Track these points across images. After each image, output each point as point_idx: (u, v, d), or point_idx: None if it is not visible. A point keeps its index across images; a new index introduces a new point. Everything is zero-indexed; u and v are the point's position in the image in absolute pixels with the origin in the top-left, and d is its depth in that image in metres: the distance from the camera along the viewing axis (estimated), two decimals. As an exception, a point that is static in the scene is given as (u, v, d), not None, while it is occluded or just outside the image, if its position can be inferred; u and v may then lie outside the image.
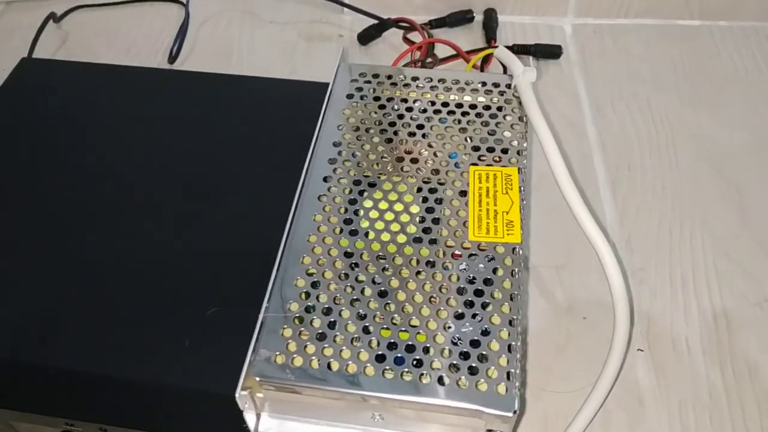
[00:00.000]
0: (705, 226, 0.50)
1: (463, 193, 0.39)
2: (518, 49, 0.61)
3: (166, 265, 0.43)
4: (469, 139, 0.42)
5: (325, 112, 0.44)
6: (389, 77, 0.45)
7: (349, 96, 0.44)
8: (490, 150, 0.41)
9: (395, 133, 0.43)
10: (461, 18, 0.64)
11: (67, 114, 0.51)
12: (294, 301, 0.36)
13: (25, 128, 0.51)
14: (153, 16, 0.69)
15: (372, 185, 0.40)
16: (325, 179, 0.40)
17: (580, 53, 0.63)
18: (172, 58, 0.63)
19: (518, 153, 0.41)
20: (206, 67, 0.62)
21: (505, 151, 0.41)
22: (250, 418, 0.36)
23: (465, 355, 0.33)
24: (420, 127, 0.43)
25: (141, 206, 0.45)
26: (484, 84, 0.45)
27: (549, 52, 0.62)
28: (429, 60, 0.53)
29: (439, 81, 0.45)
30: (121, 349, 0.39)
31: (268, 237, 0.43)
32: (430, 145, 0.42)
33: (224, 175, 0.47)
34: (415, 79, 0.45)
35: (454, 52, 0.55)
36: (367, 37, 0.64)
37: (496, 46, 0.45)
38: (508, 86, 0.44)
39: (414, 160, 0.41)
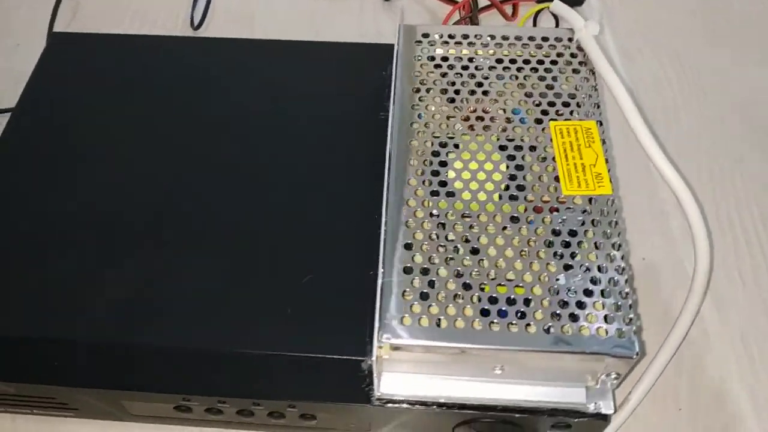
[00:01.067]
0: (740, 166, 0.52)
1: (547, 150, 0.41)
2: (541, -1, 0.62)
3: (268, 235, 0.43)
4: (541, 95, 0.43)
5: (396, 75, 0.44)
6: (451, 36, 0.46)
7: (417, 57, 0.45)
8: (565, 105, 0.43)
9: (471, 92, 0.43)
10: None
11: (125, 86, 0.50)
12: (407, 264, 0.37)
13: (86, 101, 0.50)
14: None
15: (456, 146, 0.41)
16: (410, 142, 0.41)
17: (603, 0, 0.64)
18: (197, 25, 0.61)
19: (595, 106, 0.42)
20: (229, 32, 0.62)
21: (579, 104, 0.43)
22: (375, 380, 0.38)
23: (581, 305, 0.35)
24: (490, 84, 0.44)
25: (232, 177, 0.46)
26: (545, 39, 0.45)
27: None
28: (473, 16, 0.53)
29: (502, 38, 0.45)
30: (243, 323, 0.40)
31: (362, 204, 0.44)
32: (504, 103, 0.43)
33: (303, 143, 0.48)
34: (478, 36, 0.46)
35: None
36: (390, -9, 0.64)
37: (551, 0, 0.46)
38: (570, 40, 0.45)
39: (492, 119, 0.42)
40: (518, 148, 0.41)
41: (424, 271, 0.36)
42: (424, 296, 0.36)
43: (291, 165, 0.47)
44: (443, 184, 0.40)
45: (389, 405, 0.38)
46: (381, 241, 0.38)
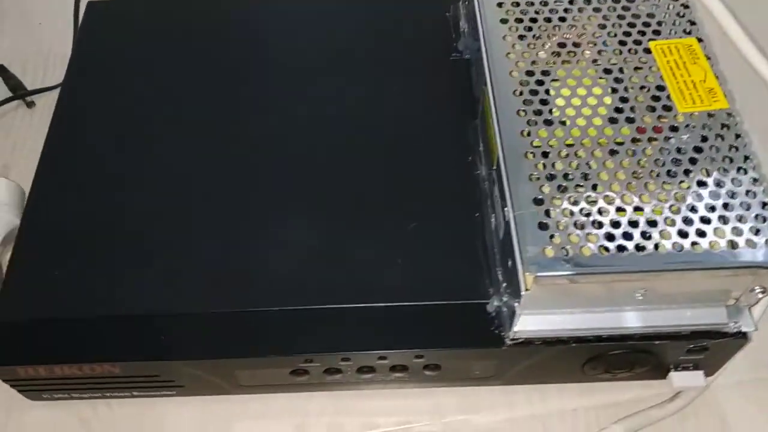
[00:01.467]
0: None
1: (652, 70, 0.39)
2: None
3: (366, 188, 0.42)
4: (633, 16, 0.42)
5: (480, 14, 0.42)
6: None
7: (500, -10, 0.43)
8: (659, 24, 0.41)
9: (561, 19, 0.41)
10: None
11: (177, 49, 0.48)
12: (536, 195, 0.35)
13: (138, 68, 0.47)
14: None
15: (554, 79, 0.39)
16: (510, 73, 0.39)
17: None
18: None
19: (690, 23, 0.41)
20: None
21: (675, 23, 0.41)
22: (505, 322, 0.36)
23: (724, 219, 0.34)
24: (581, 10, 0.42)
25: (318, 132, 0.44)
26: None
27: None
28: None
29: (582, -36, 0.44)
30: (363, 276, 0.38)
31: (454, 147, 0.42)
32: (601, 26, 0.41)
33: (380, 91, 0.46)
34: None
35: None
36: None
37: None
38: (652, -40, 0.44)
39: (586, 46, 0.40)
40: (621, 71, 0.39)
41: (552, 202, 0.35)
42: (558, 227, 0.34)
43: (373, 114, 0.45)
44: (550, 113, 0.38)
45: (522, 346, 0.37)
46: (503, 176, 0.36)
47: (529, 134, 0.37)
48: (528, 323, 0.36)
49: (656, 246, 0.33)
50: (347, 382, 0.39)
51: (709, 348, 0.37)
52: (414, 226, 0.40)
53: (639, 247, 0.33)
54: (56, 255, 0.40)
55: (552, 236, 0.34)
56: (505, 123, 0.37)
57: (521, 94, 0.38)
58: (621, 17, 0.41)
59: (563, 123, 0.37)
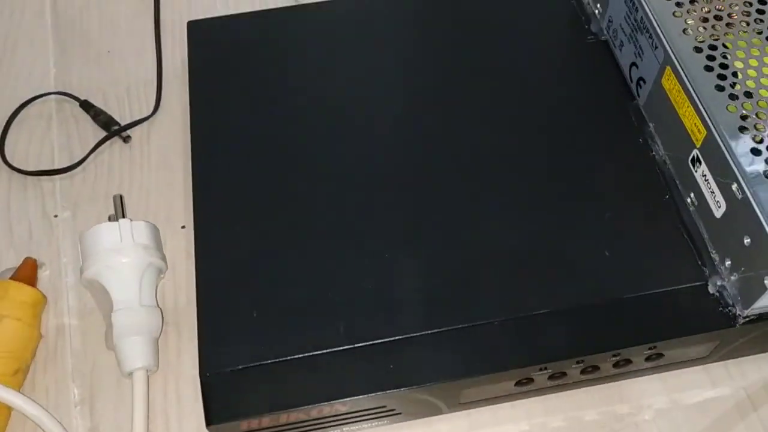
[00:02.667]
0: None
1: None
2: None
3: (549, 187, 0.41)
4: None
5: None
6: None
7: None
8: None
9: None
10: None
11: (302, 65, 0.45)
12: (761, 169, 0.34)
13: (263, 90, 0.44)
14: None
15: (726, 47, 0.39)
16: (693, 49, 0.39)
17: None
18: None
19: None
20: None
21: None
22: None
23: None
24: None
25: (474, 133, 0.43)
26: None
27: None
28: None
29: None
30: (579, 274, 0.38)
31: (620, 131, 0.42)
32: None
33: (524, 86, 0.44)
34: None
35: None
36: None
37: None
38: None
39: (744, 13, 0.40)
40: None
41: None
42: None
43: (527, 109, 0.43)
44: (735, 75, 0.37)
45: (753, 323, 0.36)
46: (725, 154, 0.35)
47: (734, 108, 0.36)
48: (765, 299, 0.36)
49: None
50: (568, 383, 0.38)
51: None
52: (608, 216, 0.39)
53: None
54: (244, 296, 0.37)
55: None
56: (709, 101, 0.37)
57: (712, 69, 0.38)
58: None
59: (761, 92, 0.37)
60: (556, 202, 0.40)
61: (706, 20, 0.40)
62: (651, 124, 0.42)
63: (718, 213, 0.36)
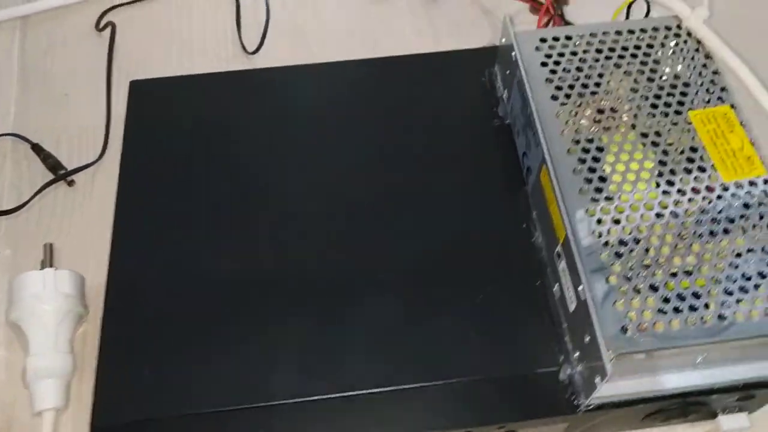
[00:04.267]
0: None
1: (695, 140, 0.42)
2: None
3: (425, 263, 0.44)
4: (671, 86, 0.44)
5: (526, 83, 0.44)
6: (568, 37, 0.46)
7: (542, 64, 0.45)
8: (695, 93, 0.44)
9: (595, 87, 0.44)
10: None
11: (230, 130, 0.49)
12: (608, 275, 0.38)
13: (194, 151, 0.48)
14: (199, 3, 0.64)
15: (600, 149, 0.42)
16: (568, 151, 0.42)
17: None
18: (254, 50, 0.59)
19: (722, 90, 0.44)
20: (284, 52, 0.60)
21: (709, 91, 0.44)
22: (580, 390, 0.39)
23: (776, 286, 0.37)
24: (613, 82, 0.45)
25: (371, 209, 0.46)
26: (655, 29, 0.47)
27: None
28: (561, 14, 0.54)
29: (615, 33, 0.46)
30: (434, 352, 0.41)
31: (508, 215, 0.45)
32: (633, 91, 0.44)
33: (426, 162, 0.48)
34: (589, 35, 0.46)
35: None
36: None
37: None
38: (679, 27, 0.47)
39: (625, 114, 0.43)
40: (659, 135, 0.42)
41: (623, 279, 0.38)
42: (632, 304, 0.37)
43: (421, 186, 0.47)
44: (603, 179, 0.41)
45: (594, 411, 0.40)
46: (575, 257, 0.38)
47: (593, 212, 0.40)
48: (603, 391, 0.39)
49: (720, 317, 0.37)
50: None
51: (756, 396, 0.41)
52: (480, 298, 0.43)
53: (704, 320, 0.37)
54: (143, 351, 0.41)
55: (627, 313, 0.37)
56: (570, 203, 0.40)
57: (580, 172, 0.41)
58: (661, 87, 0.44)
59: (621, 197, 0.40)
60: (433, 280, 0.43)
61: (587, 121, 0.43)
62: (534, 212, 0.45)
63: (571, 307, 0.40)
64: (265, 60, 0.59)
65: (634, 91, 0.44)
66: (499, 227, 0.45)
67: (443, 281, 0.43)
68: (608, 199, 0.40)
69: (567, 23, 0.53)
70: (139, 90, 0.51)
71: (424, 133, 0.49)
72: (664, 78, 0.45)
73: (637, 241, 0.39)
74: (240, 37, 0.60)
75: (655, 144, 0.42)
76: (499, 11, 0.63)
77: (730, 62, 0.44)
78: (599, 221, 0.39)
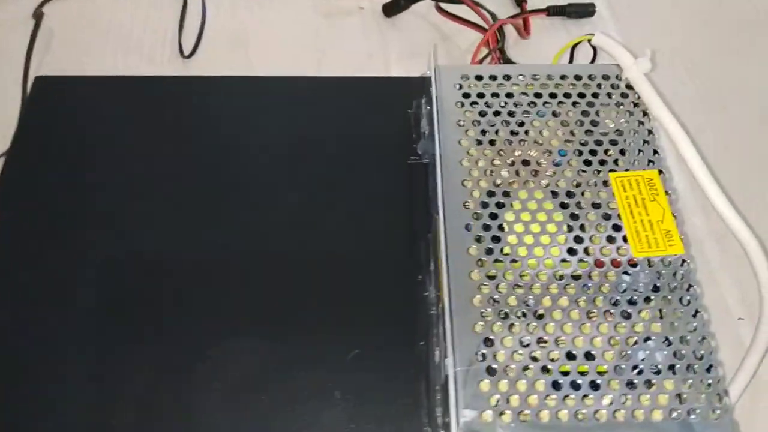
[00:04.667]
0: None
1: (611, 206, 0.38)
2: (553, 11, 0.58)
3: (301, 308, 0.40)
4: (596, 143, 0.40)
5: (437, 122, 0.40)
6: (492, 77, 0.42)
7: (459, 104, 0.41)
8: (622, 152, 0.40)
9: (511, 134, 0.40)
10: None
11: (121, 135, 0.46)
12: (480, 350, 0.34)
13: (78, 151, 0.45)
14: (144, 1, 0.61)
15: (507, 194, 0.38)
16: (465, 205, 0.38)
17: (611, 9, 0.61)
18: (188, 54, 0.56)
19: (653, 152, 0.40)
20: (223, 60, 0.57)
21: (639, 152, 0.40)
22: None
23: (665, 381, 0.33)
24: (534, 128, 0.40)
25: (255, 240, 0.42)
26: (592, 78, 0.42)
27: (583, 11, 0.60)
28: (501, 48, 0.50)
29: (546, 77, 0.42)
30: (287, 411, 0.37)
31: (403, 265, 0.41)
32: (553, 143, 0.40)
33: (328, 194, 0.44)
34: (519, 77, 0.42)
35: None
36: (393, 7, 0.59)
37: (592, 34, 0.43)
38: (618, 78, 0.42)
39: (539, 164, 0.39)
40: (570, 196, 0.38)
41: (495, 356, 0.33)
42: (498, 385, 0.33)
43: (321, 223, 0.43)
44: (497, 239, 0.37)
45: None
46: (447, 323, 0.34)
47: (477, 275, 0.36)
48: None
49: (595, 412, 0.32)
50: None
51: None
52: (355, 354, 0.39)
53: (578, 416, 0.32)
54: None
55: (490, 397, 0.32)
56: (455, 261, 0.36)
57: (473, 228, 0.37)
58: (583, 143, 0.40)
59: (514, 261, 0.36)
60: (307, 328, 0.39)
61: (495, 171, 0.39)
62: (432, 263, 0.41)
63: (441, 379, 0.36)
64: (200, 66, 0.56)
65: (555, 142, 0.40)
66: (393, 277, 0.41)
67: (318, 331, 0.39)
68: (498, 261, 0.36)
69: (507, 61, 0.49)
70: (42, 86, 0.48)
71: (334, 163, 0.45)
72: (590, 132, 0.40)
73: (523, 314, 0.35)
74: (180, 40, 0.57)
75: (564, 206, 0.38)
76: (459, 38, 0.59)
77: (666, 124, 0.40)
78: (480, 286, 0.35)
